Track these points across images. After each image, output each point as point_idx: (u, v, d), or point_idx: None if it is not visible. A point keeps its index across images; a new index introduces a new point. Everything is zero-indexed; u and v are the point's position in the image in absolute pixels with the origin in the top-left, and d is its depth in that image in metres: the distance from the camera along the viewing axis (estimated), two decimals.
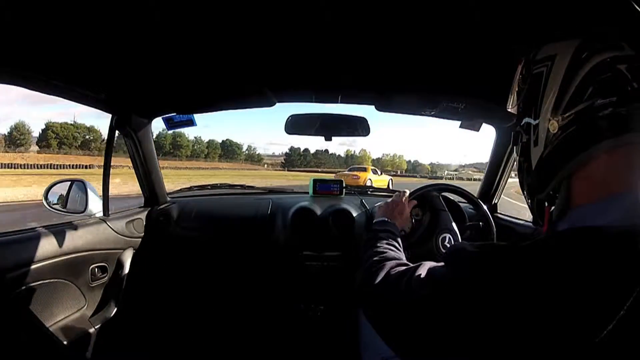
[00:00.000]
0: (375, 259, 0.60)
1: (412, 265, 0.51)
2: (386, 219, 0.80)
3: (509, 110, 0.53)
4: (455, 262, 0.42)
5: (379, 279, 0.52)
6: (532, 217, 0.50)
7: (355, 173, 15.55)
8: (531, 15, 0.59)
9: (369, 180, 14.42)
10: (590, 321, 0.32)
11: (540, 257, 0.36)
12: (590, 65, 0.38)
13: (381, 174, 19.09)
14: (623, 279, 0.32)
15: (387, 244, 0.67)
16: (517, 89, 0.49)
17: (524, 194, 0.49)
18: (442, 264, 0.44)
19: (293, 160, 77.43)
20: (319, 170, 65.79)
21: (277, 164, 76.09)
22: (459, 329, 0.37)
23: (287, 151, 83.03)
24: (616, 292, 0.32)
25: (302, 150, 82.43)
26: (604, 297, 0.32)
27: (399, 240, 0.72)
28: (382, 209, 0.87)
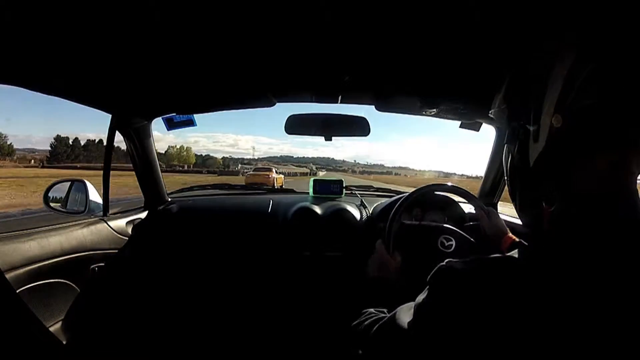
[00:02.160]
0: (360, 326, 0.60)
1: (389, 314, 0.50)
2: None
3: (490, 115, 0.52)
4: (440, 285, 0.40)
5: (365, 340, 0.53)
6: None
7: (265, 173, 17.61)
8: (531, 15, 0.59)
9: (274, 178, 16.57)
10: (597, 325, 0.31)
11: (542, 262, 0.35)
12: (593, 64, 0.37)
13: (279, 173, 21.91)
14: (629, 276, 0.32)
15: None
16: (507, 88, 0.48)
17: (513, 192, 0.48)
18: (425, 292, 0.42)
19: (59, 154, 62.31)
20: (91, 166, 47.28)
21: (39, 159, 58.53)
22: (452, 355, 0.36)
23: (53, 141, 64.26)
24: (623, 289, 0.32)
25: (71, 141, 66.45)
26: (612, 296, 0.32)
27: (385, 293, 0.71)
28: (370, 269, 0.86)
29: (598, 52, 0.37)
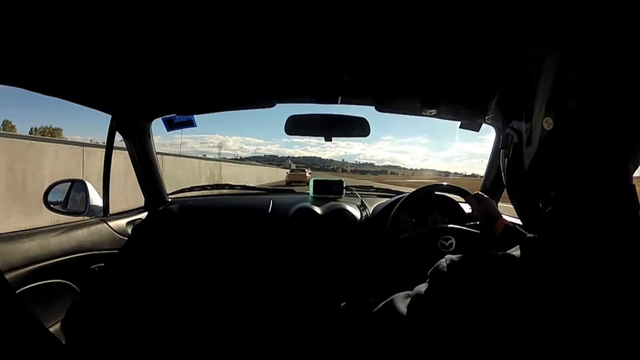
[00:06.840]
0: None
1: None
2: None
3: (487, 120, 0.52)
4: (439, 276, 0.40)
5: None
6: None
7: (302, 173, 22.84)
8: (531, 15, 0.59)
9: (308, 175, 21.30)
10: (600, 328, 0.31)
11: (540, 262, 0.36)
12: (577, 65, 0.37)
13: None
14: (627, 277, 0.32)
15: None
16: (500, 94, 0.49)
17: (511, 194, 0.48)
18: (425, 284, 0.43)
19: None
20: None
21: None
22: (447, 345, 0.36)
23: None
24: (622, 290, 0.32)
25: None
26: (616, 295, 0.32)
27: None
28: None
29: (582, 53, 0.37)
